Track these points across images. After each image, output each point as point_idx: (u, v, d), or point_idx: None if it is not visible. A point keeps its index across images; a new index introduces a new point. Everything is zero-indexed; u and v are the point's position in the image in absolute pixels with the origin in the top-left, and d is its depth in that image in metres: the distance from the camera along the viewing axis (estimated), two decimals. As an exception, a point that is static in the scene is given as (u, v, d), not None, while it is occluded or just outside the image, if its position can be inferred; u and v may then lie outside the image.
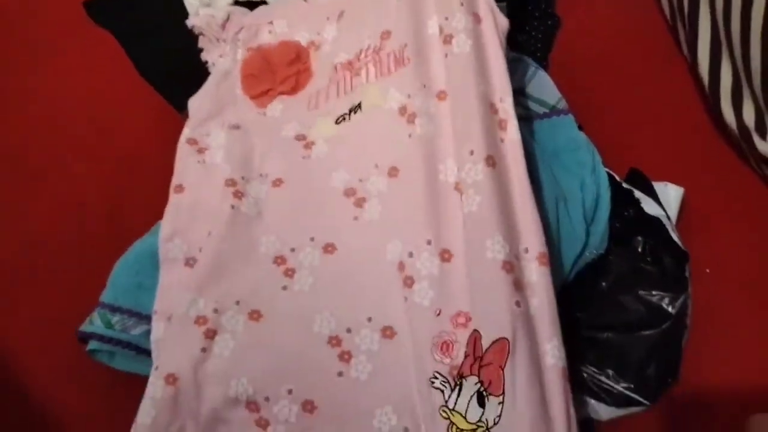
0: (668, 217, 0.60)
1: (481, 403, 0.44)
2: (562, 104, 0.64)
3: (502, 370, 0.44)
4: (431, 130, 0.53)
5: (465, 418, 0.44)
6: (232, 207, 0.53)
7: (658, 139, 0.68)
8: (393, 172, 0.54)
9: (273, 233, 0.53)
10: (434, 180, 0.52)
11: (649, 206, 0.61)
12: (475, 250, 0.48)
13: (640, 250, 0.61)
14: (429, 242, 0.50)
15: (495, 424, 0.44)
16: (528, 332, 0.45)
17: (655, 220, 0.60)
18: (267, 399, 0.48)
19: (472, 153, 0.51)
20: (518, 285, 0.47)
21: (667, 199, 0.63)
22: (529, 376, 0.44)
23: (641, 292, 0.59)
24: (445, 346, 0.46)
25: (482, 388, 0.45)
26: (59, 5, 0.78)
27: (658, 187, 0.63)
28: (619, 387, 0.54)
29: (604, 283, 0.60)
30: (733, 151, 0.66)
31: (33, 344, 0.60)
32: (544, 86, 0.65)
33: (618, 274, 0.60)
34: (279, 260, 0.52)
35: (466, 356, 0.46)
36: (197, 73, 0.67)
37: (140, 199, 0.67)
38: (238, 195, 0.54)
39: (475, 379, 0.45)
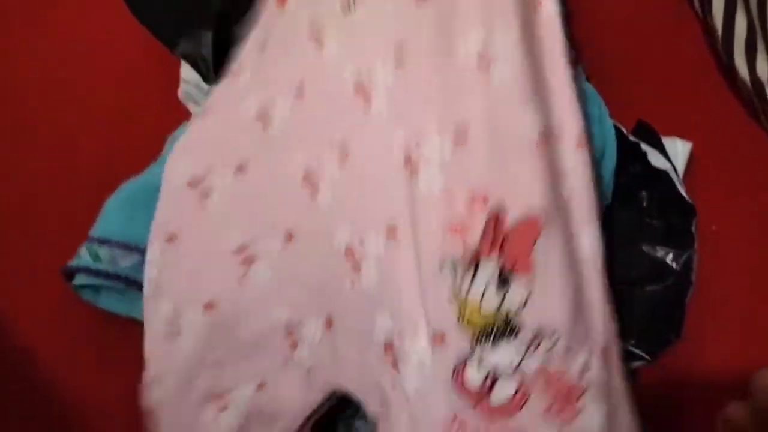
0: (675, 171, 0.59)
1: (504, 284, 0.38)
2: (571, 54, 0.62)
3: (534, 244, 0.38)
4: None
5: (480, 308, 0.38)
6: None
7: (667, 94, 0.66)
8: (399, 55, 0.45)
9: (299, 150, 0.49)
10: (450, 54, 0.44)
11: (656, 159, 0.59)
12: (502, 127, 0.41)
13: (645, 204, 0.59)
14: (441, 126, 0.43)
15: (522, 306, 0.38)
16: (563, 217, 0.40)
17: (662, 173, 0.58)
18: (300, 322, 0.46)
19: (500, 24, 0.44)
20: (553, 167, 0.42)
21: (674, 154, 0.61)
22: (563, 260, 0.39)
23: (645, 247, 0.57)
24: (458, 228, 0.40)
25: (506, 268, 0.38)
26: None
27: (666, 141, 0.61)
28: (622, 342, 0.53)
29: (606, 238, 0.58)
30: (743, 108, 0.64)
31: (24, 292, 0.58)
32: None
33: (621, 228, 0.58)
34: (306, 179, 0.48)
35: (483, 235, 0.39)
36: (192, 14, 0.65)
37: (133, 147, 0.64)
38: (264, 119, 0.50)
39: (495, 259, 0.39)
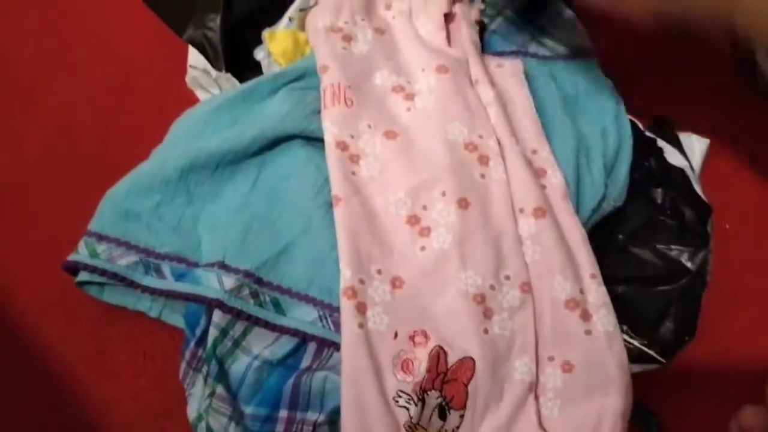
0: (692, 168, 0.58)
1: (443, 416, 0.46)
2: (588, 46, 0.61)
3: (466, 386, 0.46)
4: None
5: (426, 430, 0.46)
6: None
7: (684, 89, 0.65)
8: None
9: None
10: None
11: (672, 156, 0.58)
12: (442, 282, 0.49)
13: (659, 201, 0.58)
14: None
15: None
16: (496, 353, 0.47)
17: (678, 171, 0.57)
18: (362, 281, 0.48)
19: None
20: (488, 313, 0.48)
21: (691, 150, 0.60)
22: (492, 392, 0.46)
23: (659, 246, 0.56)
24: (406, 365, 0.47)
25: (444, 402, 0.46)
26: None
27: (683, 137, 0.60)
28: (634, 343, 0.52)
29: (620, 236, 0.57)
30: (762, 106, 0.63)
31: (21, 273, 0.57)
32: (569, 26, 0.61)
33: (636, 226, 0.57)
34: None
35: (428, 372, 0.47)
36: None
37: (134, 121, 0.64)
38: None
39: (437, 393, 0.46)
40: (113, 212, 0.52)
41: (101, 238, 0.51)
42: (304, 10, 0.62)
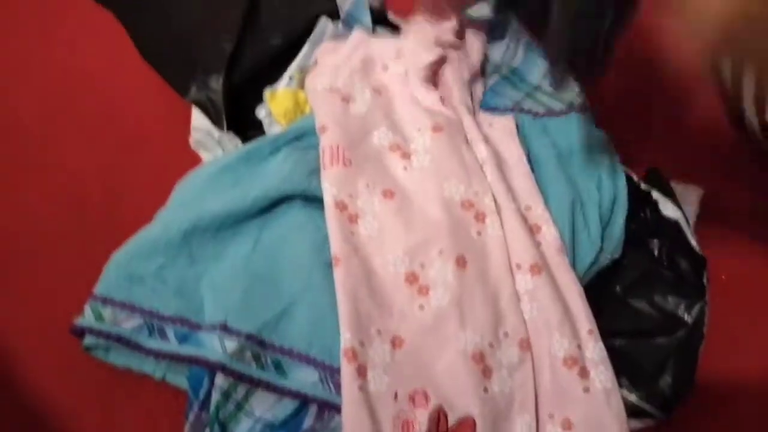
0: (687, 220, 0.58)
1: None
2: (580, 101, 0.62)
3: None
4: None
5: None
6: None
7: (678, 139, 0.66)
8: None
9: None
10: None
11: (667, 208, 0.59)
12: (441, 340, 0.50)
13: (656, 253, 0.59)
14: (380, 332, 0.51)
15: None
16: (497, 411, 0.48)
17: (673, 223, 0.58)
18: (362, 343, 0.49)
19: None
20: (487, 372, 0.50)
21: (685, 200, 0.61)
22: None
23: (656, 298, 0.57)
24: (406, 426, 0.48)
25: None
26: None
27: (677, 187, 0.61)
28: (632, 397, 0.52)
29: (618, 287, 0.57)
30: (754, 154, 0.64)
31: (29, 337, 0.57)
32: (563, 83, 0.62)
33: (632, 278, 0.58)
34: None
35: None
36: (201, 56, 0.65)
37: (141, 184, 0.65)
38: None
39: None
40: (118, 275, 0.53)
41: (106, 301, 0.52)
42: (304, 70, 0.64)
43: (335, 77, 0.61)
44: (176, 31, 0.67)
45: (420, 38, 0.62)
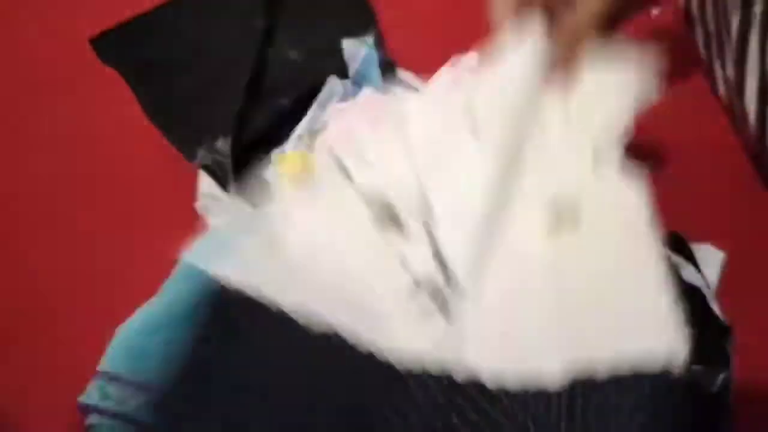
0: (708, 286, 0.56)
1: None
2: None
3: None
4: None
5: None
6: None
7: (697, 195, 0.63)
8: None
9: None
10: None
11: (688, 273, 0.57)
12: None
13: (677, 313, 0.57)
14: None
15: None
16: None
17: (695, 290, 0.56)
18: None
19: None
20: None
21: (707, 263, 0.59)
22: None
23: (678, 366, 0.55)
24: None
25: None
26: (67, 43, 0.75)
27: (698, 249, 0.59)
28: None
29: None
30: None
31: (29, 414, 0.57)
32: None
33: (653, 344, 0.56)
34: None
35: None
36: (208, 119, 0.64)
37: (148, 247, 0.63)
38: None
39: None
40: (123, 351, 0.52)
41: (111, 378, 0.51)
42: (312, 131, 0.63)
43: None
44: (183, 95, 0.67)
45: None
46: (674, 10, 0.73)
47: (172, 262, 0.57)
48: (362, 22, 0.74)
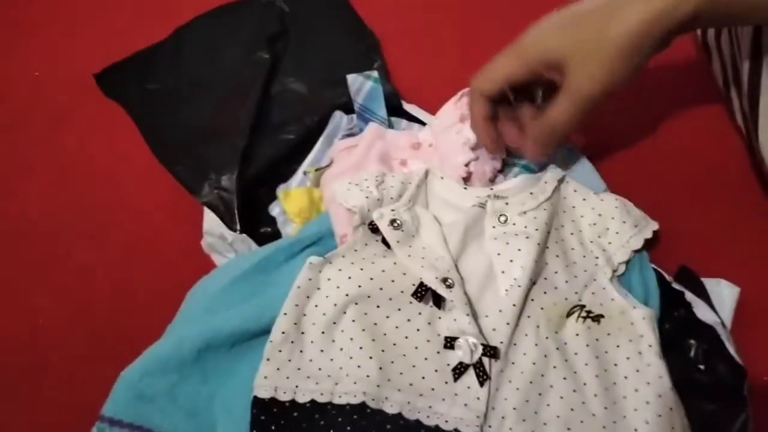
0: (723, 324, 0.55)
1: None
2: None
3: None
4: None
5: None
6: None
7: (711, 229, 0.63)
8: None
9: None
10: None
11: (702, 311, 0.55)
12: None
13: (692, 354, 0.56)
14: None
15: None
16: None
17: (709, 328, 0.55)
18: None
19: None
20: None
21: (720, 299, 0.58)
22: None
23: (694, 404, 0.53)
24: None
25: None
26: (70, 76, 0.75)
27: (711, 284, 0.58)
28: None
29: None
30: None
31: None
32: (586, 175, 0.60)
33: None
34: None
35: None
36: (212, 155, 0.64)
37: (150, 285, 0.63)
38: None
39: None
40: (127, 395, 0.51)
41: (114, 423, 0.50)
42: (319, 170, 0.62)
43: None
44: (187, 129, 0.66)
45: (452, 139, 0.60)
46: (693, 39, 0.73)
47: (176, 296, 0.57)
48: (366, 53, 0.74)
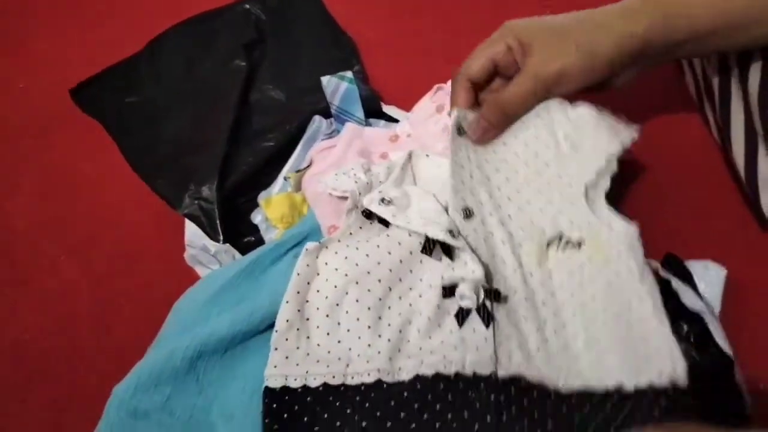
0: (712, 312, 0.55)
1: None
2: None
3: None
4: None
5: None
6: None
7: (695, 220, 0.62)
8: None
9: None
10: None
11: (689, 299, 0.55)
12: None
13: (684, 335, 0.55)
14: None
15: None
16: None
17: (696, 317, 0.54)
18: None
19: None
20: None
21: (708, 281, 0.57)
22: None
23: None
24: None
25: None
26: (55, 88, 0.75)
27: (698, 266, 0.58)
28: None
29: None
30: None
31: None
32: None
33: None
34: None
35: None
36: (192, 167, 0.63)
37: (134, 298, 0.63)
38: None
39: None
40: (120, 413, 0.50)
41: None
42: (299, 171, 0.62)
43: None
44: (166, 142, 0.66)
45: (430, 129, 0.60)
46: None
47: (161, 308, 0.56)
48: (344, 58, 0.74)
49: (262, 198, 0.62)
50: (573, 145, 0.55)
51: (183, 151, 0.65)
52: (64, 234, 0.67)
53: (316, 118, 0.65)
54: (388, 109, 0.68)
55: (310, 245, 0.52)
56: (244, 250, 0.60)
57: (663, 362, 0.47)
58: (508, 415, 0.46)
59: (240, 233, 0.62)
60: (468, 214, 0.53)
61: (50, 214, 0.69)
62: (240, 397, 0.50)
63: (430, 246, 0.52)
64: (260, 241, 0.61)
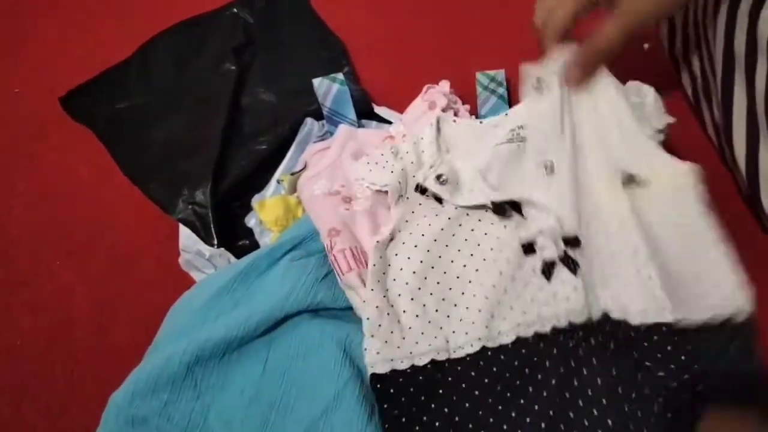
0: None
1: None
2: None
3: None
4: None
5: None
6: None
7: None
8: None
9: None
10: None
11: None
12: None
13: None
14: None
15: None
16: None
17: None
18: None
19: None
20: None
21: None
22: None
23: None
24: None
25: None
26: (50, 93, 0.75)
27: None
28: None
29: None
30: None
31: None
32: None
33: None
34: None
35: None
36: (185, 172, 0.63)
37: (131, 302, 0.63)
38: None
39: None
40: (118, 421, 0.50)
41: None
42: (294, 174, 0.62)
43: (332, 180, 0.59)
44: (158, 147, 0.66)
45: (424, 126, 0.60)
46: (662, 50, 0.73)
47: (157, 313, 0.56)
48: (334, 60, 0.74)
49: (255, 201, 0.61)
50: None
51: (175, 156, 0.65)
52: (60, 238, 0.67)
53: (308, 120, 0.65)
54: (380, 110, 0.68)
55: (379, 239, 0.53)
56: (238, 253, 0.60)
57: (730, 295, 0.47)
58: (610, 353, 0.46)
59: (234, 237, 0.62)
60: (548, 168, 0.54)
61: (46, 218, 0.69)
62: (238, 402, 0.50)
63: (501, 208, 0.53)
64: (255, 245, 0.61)
